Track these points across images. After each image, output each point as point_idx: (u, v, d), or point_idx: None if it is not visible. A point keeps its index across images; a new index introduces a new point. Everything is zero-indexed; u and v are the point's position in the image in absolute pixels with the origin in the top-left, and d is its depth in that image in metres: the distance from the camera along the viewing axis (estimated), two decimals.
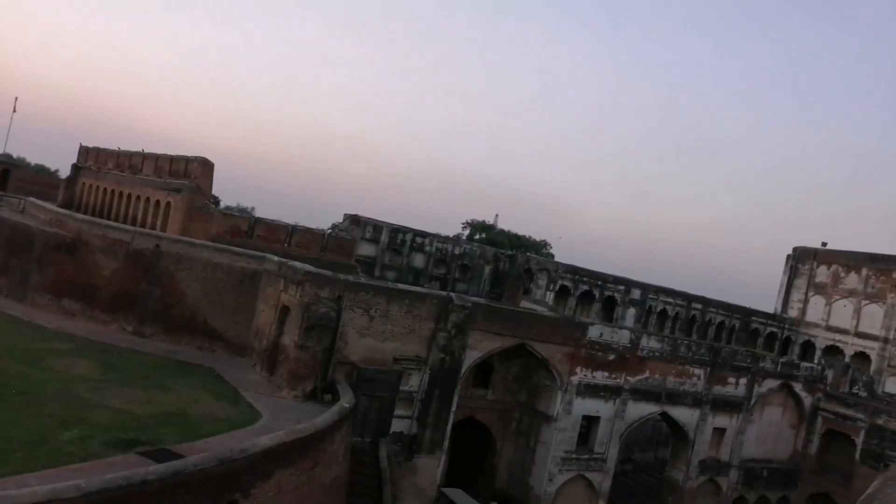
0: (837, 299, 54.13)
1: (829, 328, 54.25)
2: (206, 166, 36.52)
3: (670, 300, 50.53)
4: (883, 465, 33.95)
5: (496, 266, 47.60)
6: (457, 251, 46.30)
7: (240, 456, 15.37)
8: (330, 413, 20.07)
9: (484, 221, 76.97)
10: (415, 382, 26.14)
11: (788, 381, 37.25)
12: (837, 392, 39.22)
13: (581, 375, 29.94)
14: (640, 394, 31.64)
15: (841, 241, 77.09)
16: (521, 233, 77.01)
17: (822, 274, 55.80)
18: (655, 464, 41.06)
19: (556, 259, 61.06)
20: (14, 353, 21.64)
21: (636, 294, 48.77)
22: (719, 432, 34.73)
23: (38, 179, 53.83)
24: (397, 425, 25.65)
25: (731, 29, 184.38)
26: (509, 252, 50.98)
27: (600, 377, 30.54)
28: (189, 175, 37.14)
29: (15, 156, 72.66)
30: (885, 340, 50.30)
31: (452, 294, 28.00)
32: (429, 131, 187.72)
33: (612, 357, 30.78)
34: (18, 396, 17.66)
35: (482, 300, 33.19)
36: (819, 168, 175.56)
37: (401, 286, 29.86)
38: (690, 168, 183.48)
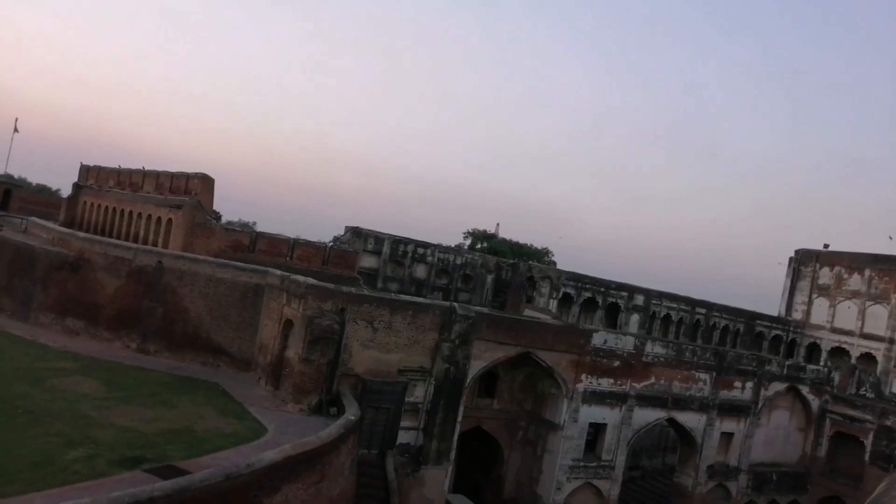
0: (841, 301, 54.04)
1: (833, 330, 54.13)
2: (206, 182, 36.63)
3: (674, 305, 50.48)
4: (893, 466, 33.75)
5: (498, 275, 47.54)
6: (458, 261, 46.28)
7: (246, 471, 15.31)
8: (335, 426, 19.99)
9: (485, 231, 77.05)
10: (420, 393, 26.06)
11: (795, 383, 37.11)
12: (845, 394, 39.04)
13: (586, 383, 29.85)
14: (647, 400, 31.52)
15: (843, 243, 77.00)
16: (522, 241, 77.09)
17: (826, 276, 55.74)
18: (664, 469, 40.84)
19: (558, 267, 61.02)
20: (18, 372, 21.64)
21: (639, 300, 48.71)
22: (727, 437, 34.56)
23: (40, 199, 54.00)
24: (403, 437, 25.55)
25: (727, 29, 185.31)
26: (511, 261, 50.95)
27: (606, 384, 30.44)
28: (190, 191, 37.25)
29: (16, 176, 73.04)
30: (891, 341, 50.19)
31: (455, 304, 27.98)
32: (426, 141, 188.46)
33: (616, 363, 30.70)
34: (24, 416, 17.64)
35: (485, 309, 33.17)
36: (818, 168, 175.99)
37: (404, 297, 29.84)
38: (689, 170, 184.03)
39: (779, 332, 55.81)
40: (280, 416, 22.36)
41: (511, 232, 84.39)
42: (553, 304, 44.80)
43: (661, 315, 49.68)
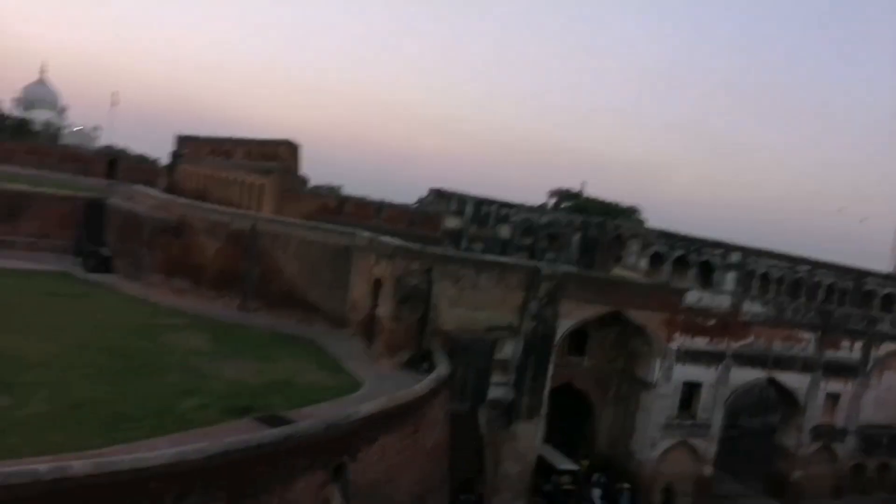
0: None
1: None
2: (292, 148, 37.64)
3: (773, 262, 47.61)
4: None
5: (585, 234, 46.47)
6: (543, 220, 45.60)
7: (345, 422, 15.83)
8: (428, 380, 20.35)
9: (569, 190, 75.47)
10: (509, 350, 26.14)
11: None
12: None
13: (680, 341, 29.08)
14: (745, 359, 30.41)
15: None
16: (608, 200, 74.98)
17: None
18: (764, 430, 39.41)
19: (647, 225, 59.12)
20: (135, 328, 23.17)
21: (735, 257, 46.20)
22: (833, 398, 32.96)
23: (142, 168, 56.89)
24: (494, 392, 25.77)
25: None
26: (598, 219, 49.75)
27: (701, 343, 29.55)
28: (278, 157, 38.40)
29: (119, 146, 77.40)
30: None
31: (540, 264, 27.70)
32: (507, 101, 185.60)
33: (712, 322, 29.70)
34: (143, 368, 18.89)
35: (572, 269, 32.68)
36: None
37: (489, 257, 29.80)
38: (782, 121, 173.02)
39: (891, 290, 52.10)
40: (374, 370, 22.96)
41: (597, 191, 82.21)
42: (643, 263, 43.41)
43: (760, 273, 47.20)
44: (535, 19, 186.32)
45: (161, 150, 55.40)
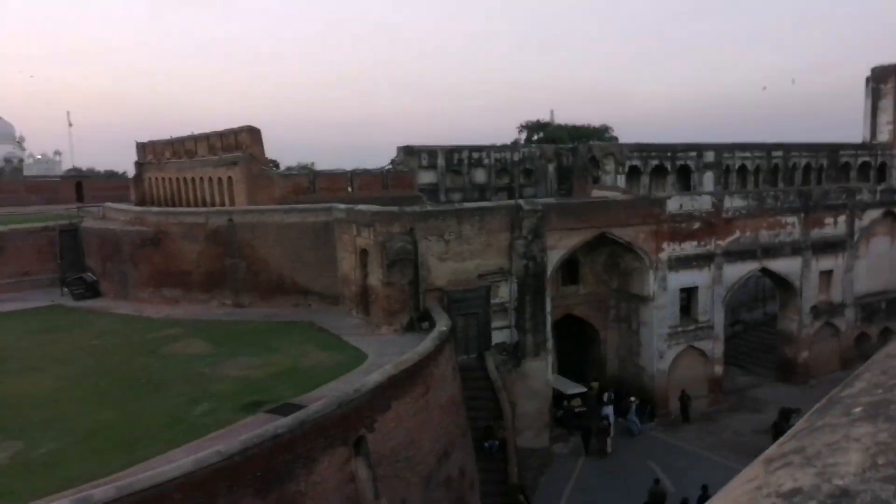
0: None
1: None
2: (253, 133, 36.91)
3: (747, 154, 48.06)
4: None
5: (559, 162, 46.46)
6: (516, 157, 45.40)
7: (356, 396, 16.05)
8: (430, 339, 20.56)
9: (538, 120, 74.92)
10: (504, 293, 26.38)
11: (891, 207, 35.24)
12: None
13: (669, 250, 29.36)
14: (735, 255, 30.78)
15: None
16: (579, 123, 74.55)
17: None
18: (766, 319, 40.27)
19: (620, 142, 58.98)
20: (134, 346, 23.24)
21: (710, 156, 46.61)
22: (826, 275, 33.53)
23: (111, 184, 56.20)
24: (498, 336, 26.13)
25: None
26: (570, 145, 49.56)
27: (689, 248, 29.85)
28: (241, 146, 37.72)
29: (84, 167, 76.17)
30: None
31: (520, 201, 27.71)
32: (463, 43, 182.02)
33: (697, 225, 29.93)
34: (148, 385, 19.02)
35: (552, 200, 32.76)
36: None
37: (467, 205, 29.80)
38: (733, 19, 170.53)
39: (866, 159, 52.52)
40: (376, 340, 23.22)
41: (566, 117, 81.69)
42: (621, 180, 43.59)
43: (736, 167, 47.53)
44: None
45: (127, 163, 54.65)
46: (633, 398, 28.43)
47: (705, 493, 20.23)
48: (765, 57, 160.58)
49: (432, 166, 42.64)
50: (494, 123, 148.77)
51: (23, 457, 14.02)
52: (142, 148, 47.61)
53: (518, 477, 22.10)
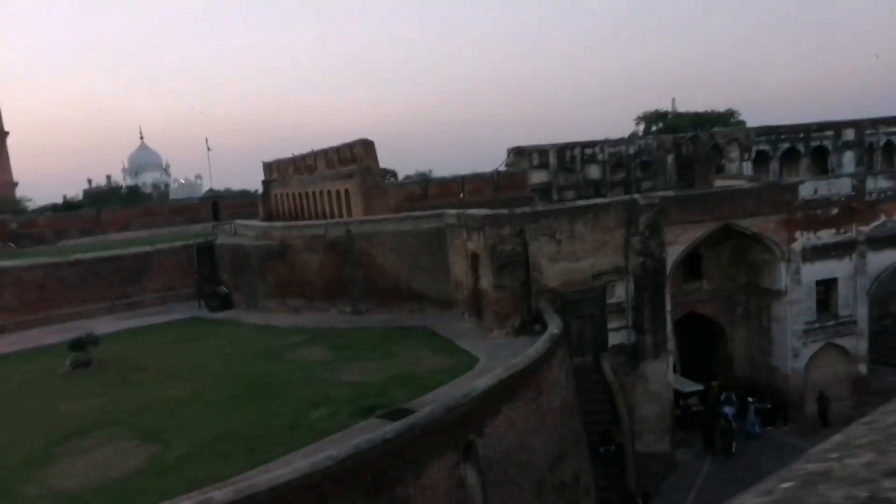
0: None
1: None
2: (367, 146, 38.12)
3: (894, 129, 43.49)
4: None
5: (679, 153, 44.23)
6: (631, 150, 43.77)
7: (464, 401, 16.05)
8: (541, 342, 20.21)
9: (657, 110, 71.84)
10: (621, 293, 25.50)
11: None
12: None
13: (803, 240, 27.09)
14: (880, 242, 27.89)
15: None
16: (702, 110, 70.65)
17: None
18: None
19: (749, 126, 55.27)
20: (260, 353, 24.72)
21: (849, 135, 42.61)
22: None
23: (241, 203, 60.22)
24: (615, 338, 25.28)
25: None
26: (689, 134, 47.12)
27: (826, 236, 27.40)
28: (356, 159, 39.13)
29: (221, 187, 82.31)
30: None
31: (636, 195, 26.68)
32: (580, 36, 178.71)
33: (835, 211, 27.42)
34: (273, 390, 20.12)
35: (670, 192, 31.24)
36: None
37: (579, 203, 29.05)
38: None
39: None
40: (488, 343, 23.17)
41: (689, 105, 77.73)
42: (747, 167, 40.91)
43: (881, 144, 43.14)
44: None
45: (257, 182, 58.43)
46: (751, 399, 26.56)
47: None
48: None
49: (543, 165, 42.06)
50: (611, 117, 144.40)
51: (157, 459, 15.28)
52: (268, 167, 50.69)
53: (637, 483, 21.22)
